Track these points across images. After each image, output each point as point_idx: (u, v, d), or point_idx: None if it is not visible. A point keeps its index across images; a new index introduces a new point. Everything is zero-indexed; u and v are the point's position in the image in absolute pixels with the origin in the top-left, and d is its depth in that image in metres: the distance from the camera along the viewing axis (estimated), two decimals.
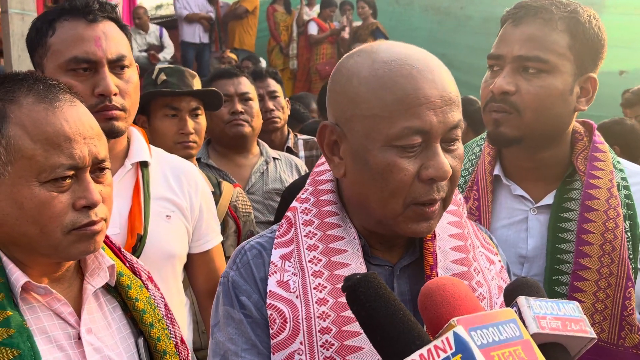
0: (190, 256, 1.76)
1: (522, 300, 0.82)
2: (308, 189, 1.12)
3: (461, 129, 1.00)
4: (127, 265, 1.25)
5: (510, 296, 0.86)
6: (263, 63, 8.43)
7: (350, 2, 9.15)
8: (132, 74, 1.57)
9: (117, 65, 1.52)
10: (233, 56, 8.18)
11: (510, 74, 1.40)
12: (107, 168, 1.12)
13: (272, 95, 3.00)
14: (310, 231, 1.06)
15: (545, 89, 1.38)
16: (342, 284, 0.84)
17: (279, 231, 1.10)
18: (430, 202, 0.99)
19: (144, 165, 1.66)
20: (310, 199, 1.10)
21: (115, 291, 1.21)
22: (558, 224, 1.43)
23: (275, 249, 1.07)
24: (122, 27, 1.58)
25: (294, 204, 1.12)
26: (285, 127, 3.19)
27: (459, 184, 1.56)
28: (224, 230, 2.19)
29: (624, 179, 1.46)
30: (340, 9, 9.40)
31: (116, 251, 1.25)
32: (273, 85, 3.02)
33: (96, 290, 1.16)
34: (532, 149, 1.46)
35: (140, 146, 1.67)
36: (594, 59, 1.42)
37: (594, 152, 1.45)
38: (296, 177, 2.73)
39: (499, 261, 1.16)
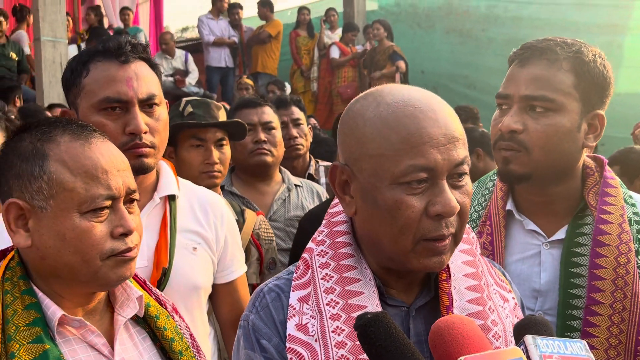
0: (214, 286, 1.79)
1: (529, 339, 0.84)
2: (323, 231, 1.14)
3: (468, 165, 1.03)
4: (153, 297, 1.31)
5: (519, 334, 0.88)
6: (288, 87, 8.54)
7: (370, 26, 9.24)
8: (162, 111, 1.62)
9: (147, 104, 1.58)
10: (250, 82, 8.28)
11: (517, 113, 1.44)
12: (137, 200, 1.20)
13: (296, 123, 3.07)
14: (327, 274, 1.08)
15: (552, 127, 1.41)
16: None
17: (296, 273, 1.12)
18: (440, 237, 1.01)
19: (171, 198, 1.71)
20: (326, 241, 1.12)
21: (144, 322, 1.26)
22: (570, 258, 1.45)
23: (293, 291, 1.10)
24: (153, 66, 1.64)
25: (310, 245, 1.14)
26: (308, 154, 3.25)
27: (472, 218, 1.59)
28: (246, 258, 2.23)
29: (635, 213, 1.47)
30: (364, 32, 9.50)
31: (141, 284, 1.31)
32: (297, 113, 3.09)
33: (126, 321, 1.22)
34: (542, 184, 1.49)
35: (168, 180, 1.72)
36: (600, 96, 1.46)
37: (605, 187, 1.48)
38: (317, 204, 2.78)
39: (513, 298, 1.18)
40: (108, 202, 1.13)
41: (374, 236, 1.05)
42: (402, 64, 8.62)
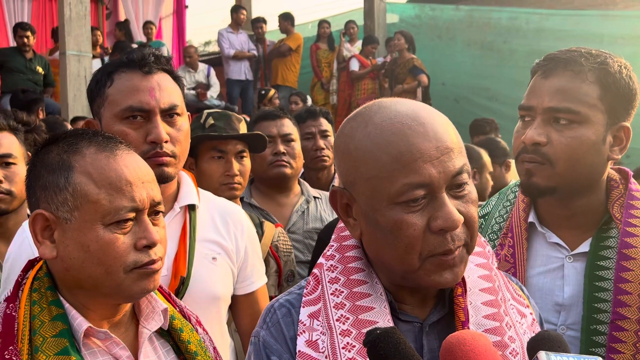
0: (235, 297, 1.79)
1: (542, 355, 0.82)
2: (333, 246, 1.12)
3: (468, 172, 1.00)
4: (178, 309, 1.31)
5: (532, 350, 0.87)
6: (309, 100, 8.58)
7: (392, 38, 9.25)
8: (184, 122, 1.63)
9: (169, 114, 1.59)
10: (275, 101, 8.36)
11: (541, 125, 1.41)
12: (162, 211, 1.20)
13: (324, 134, 3.08)
14: (337, 289, 1.06)
15: (576, 139, 1.39)
16: None
17: (306, 288, 1.10)
18: (447, 252, 0.98)
19: (191, 208, 1.71)
20: (335, 256, 1.10)
21: (168, 335, 1.26)
22: (595, 272, 1.42)
23: (303, 307, 1.08)
24: (176, 78, 1.66)
25: (321, 260, 1.12)
26: (332, 166, 3.25)
27: (493, 230, 1.57)
28: (265, 270, 2.24)
29: None
30: (386, 45, 9.52)
31: (166, 296, 1.31)
32: (325, 124, 3.10)
33: (151, 334, 1.22)
34: (566, 197, 1.46)
35: (189, 190, 1.73)
36: (626, 108, 1.43)
37: (630, 199, 1.45)
38: (336, 216, 2.76)
39: (531, 314, 1.15)
40: (132, 214, 1.12)
41: (381, 257, 1.03)
42: (424, 78, 8.56)
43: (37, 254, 1.47)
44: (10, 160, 2.07)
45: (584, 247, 1.47)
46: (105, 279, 1.11)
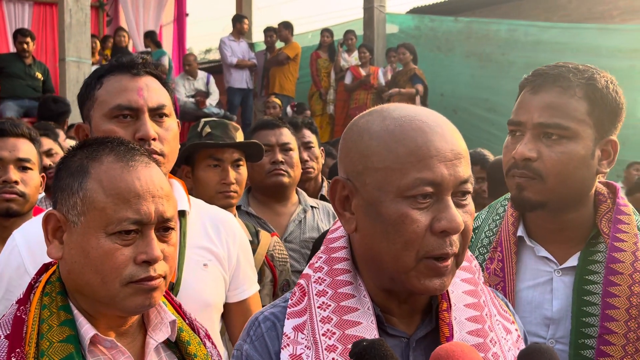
0: (227, 305, 1.79)
1: None
2: (322, 257, 1.10)
3: (472, 184, 1.01)
4: (187, 322, 1.30)
5: None
6: (308, 113, 8.62)
7: (394, 49, 9.30)
8: (172, 123, 1.65)
9: (157, 114, 1.61)
10: (277, 101, 8.42)
11: (531, 141, 1.43)
12: (172, 228, 1.18)
13: (307, 146, 3.09)
14: (324, 302, 1.05)
15: (566, 154, 1.41)
16: None
17: (291, 299, 1.09)
18: (443, 256, 0.98)
19: (182, 214, 1.71)
20: (323, 268, 1.08)
21: (175, 347, 1.25)
22: (583, 286, 1.43)
23: (287, 319, 1.06)
24: (164, 83, 1.69)
25: (307, 270, 1.11)
26: (320, 176, 3.27)
27: (483, 244, 1.58)
28: (260, 279, 2.24)
29: None
30: (386, 55, 9.57)
31: (177, 307, 1.31)
32: (308, 135, 3.11)
33: (157, 345, 1.22)
34: (555, 211, 1.47)
35: (179, 196, 1.72)
36: (613, 122, 1.45)
37: (618, 214, 1.46)
38: None
39: (516, 330, 1.15)
40: (135, 227, 1.12)
41: (374, 254, 1.03)
42: (420, 87, 8.66)
43: (26, 263, 1.49)
44: (28, 165, 2.18)
45: (573, 261, 1.48)
46: (101, 288, 1.11)
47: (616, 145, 1.47)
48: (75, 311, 1.14)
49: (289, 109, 8.32)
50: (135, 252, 1.12)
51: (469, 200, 1.02)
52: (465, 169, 1.00)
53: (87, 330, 1.12)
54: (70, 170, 1.17)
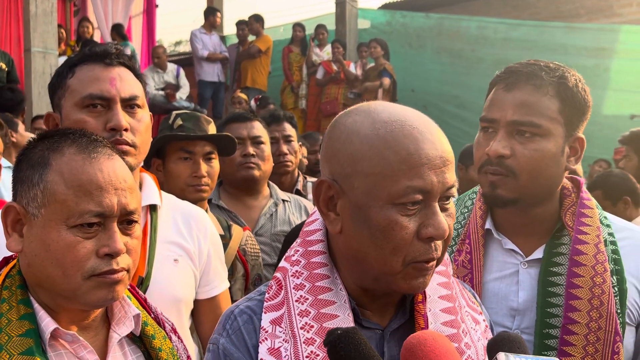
0: (196, 302, 1.79)
1: (502, 356, 0.85)
2: (299, 251, 1.11)
3: (456, 188, 1.04)
4: (152, 315, 1.29)
5: (492, 351, 0.89)
6: (271, 106, 8.59)
7: (365, 44, 9.34)
8: (144, 114, 1.64)
9: (129, 104, 1.59)
10: (243, 96, 8.36)
11: (505, 138, 1.45)
12: (136, 221, 1.17)
13: (287, 140, 3.10)
14: (301, 295, 1.05)
15: (539, 152, 1.44)
16: None
17: (268, 293, 1.09)
18: (429, 260, 1.01)
19: (153, 209, 1.70)
20: (301, 261, 1.09)
21: (140, 341, 1.24)
22: (548, 277, 1.47)
23: (265, 312, 1.07)
24: (137, 75, 1.67)
25: (284, 264, 1.11)
26: (296, 170, 3.27)
27: (452, 236, 1.62)
28: (232, 274, 2.23)
29: (610, 234, 1.50)
30: (358, 50, 9.60)
31: (142, 301, 1.30)
32: (289, 129, 3.12)
33: (121, 339, 1.20)
34: (525, 207, 1.50)
35: (150, 191, 1.72)
36: (580, 119, 1.49)
37: (582, 208, 1.50)
38: (305, 219, 2.79)
39: (484, 320, 1.18)
40: (97, 219, 1.10)
41: (360, 256, 1.03)
42: (386, 81, 8.75)
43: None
44: None
45: (538, 253, 1.52)
46: (62, 282, 1.10)
47: (583, 142, 1.51)
48: (36, 305, 1.12)
49: (252, 103, 8.27)
50: (98, 245, 1.10)
51: (451, 204, 1.04)
52: (451, 175, 1.02)
53: (47, 324, 1.10)
54: (31, 162, 1.14)
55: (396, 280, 1.02)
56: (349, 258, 1.07)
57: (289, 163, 3.10)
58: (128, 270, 1.15)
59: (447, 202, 1.03)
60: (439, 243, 1.02)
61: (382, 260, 1.00)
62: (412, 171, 0.98)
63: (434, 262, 1.03)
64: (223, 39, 10.23)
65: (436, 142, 1.01)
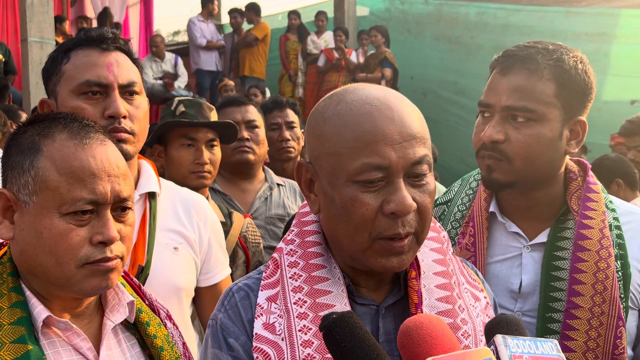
0: (198, 289, 1.78)
1: (499, 339, 0.84)
2: (294, 230, 1.14)
3: (429, 164, 1.02)
4: (147, 302, 1.28)
5: (489, 334, 0.88)
6: (268, 93, 8.57)
7: (366, 32, 9.29)
8: (142, 101, 1.61)
9: (127, 91, 1.56)
10: (231, 83, 8.33)
11: (499, 123, 1.45)
12: (130, 208, 1.15)
13: (290, 126, 3.09)
14: (295, 273, 1.07)
15: (533, 137, 1.43)
16: None
17: (265, 272, 1.12)
18: (395, 236, 1.01)
19: (152, 196, 1.68)
20: (295, 240, 1.12)
21: (134, 328, 1.23)
22: (551, 262, 1.47)
23: (261, 290, 1.09)
24: (134, 60, 1.64)
25: (280, 244, 1.14)
26: (299, 157, 3.26)
27: (456, 218, 1.61)
28: (233, 261, 2.23)
29: (615, 218, 1.49)
30: (358, 37, 9.56)
31: (136, 288, 1.28)
32: (292, 116, 3.11)
33: (115, 326, 1.19)
34: (525, 190, 1.50)
35: (149, 178, 1.69)
36: (582, 102, 1.47)
37: (587, 192, 1.49)
38: (300, 203, 2.78)
39: (485, 297, 1.18)
40: (90, 207, 1.08)
41: (334, 234, 1.06)
42: (387, 72, 8.70)
43: None
44: None
45: (542, 237, 1.51)
46: (55, 270, 1.08)
47: (585, 125, 1.49)
48: (28, 293, 1.11)
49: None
50: (91, 232, 1.09)
51: (426, 180, 1.03)
52: (417, 150, 1.00)
53: (40, 312, 1.09)
54: (21, 148, 1.12)
55: (367, 258, 1.03)
56: (330, 237, 1.10)
57: (292, 149, 3.09)
58: (122, 258, 1.13)
59: (419, 179, 1.02)
60: (410, 219, 1.01)
61: (349, 237, 1.02)
62: (367, 148, 0.99)
63: (406, 241, 1.02)
64: (220, 27, 10.17)
65: (395, 117, 1.00)
